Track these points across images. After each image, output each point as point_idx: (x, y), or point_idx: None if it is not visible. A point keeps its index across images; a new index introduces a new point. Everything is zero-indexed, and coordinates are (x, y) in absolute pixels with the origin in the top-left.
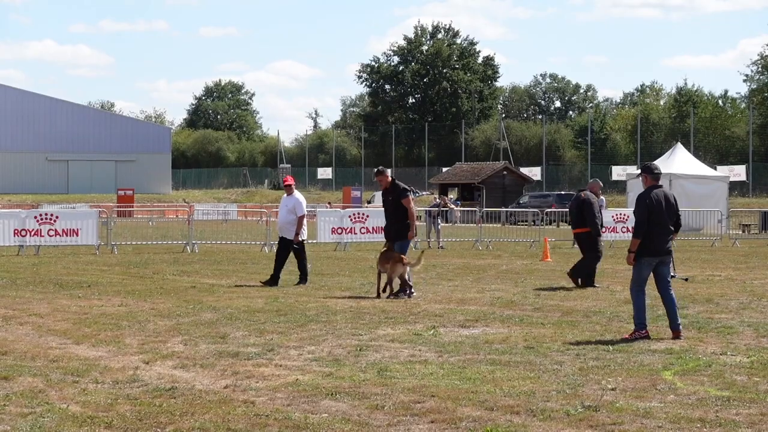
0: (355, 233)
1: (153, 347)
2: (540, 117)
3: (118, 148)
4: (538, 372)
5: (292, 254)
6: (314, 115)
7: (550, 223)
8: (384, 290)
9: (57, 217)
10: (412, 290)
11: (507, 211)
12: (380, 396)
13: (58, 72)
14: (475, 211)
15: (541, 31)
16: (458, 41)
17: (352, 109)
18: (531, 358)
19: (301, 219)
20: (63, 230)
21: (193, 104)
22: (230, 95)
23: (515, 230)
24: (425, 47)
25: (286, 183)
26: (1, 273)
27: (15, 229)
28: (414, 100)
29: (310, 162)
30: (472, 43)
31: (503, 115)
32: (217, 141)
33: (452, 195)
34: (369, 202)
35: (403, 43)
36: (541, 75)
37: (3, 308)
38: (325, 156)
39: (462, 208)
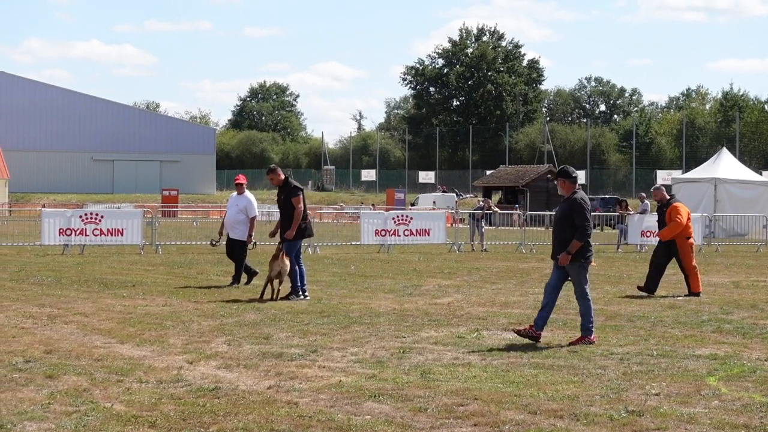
0: (399, 235)
1: (197, 347)
2: (584, 120)
3: (163, 148)
4: (582, 376)
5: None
6: (358, 117)
7: (594, 227)
8: (263, 294)
9: (102, 217)
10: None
11: (551, 215)
12: (423, 398)
13: (103, 72)
14: (519, 214)
15: (585, 33)
16: (503, 44)
17: (396, 111)
18: (574, 362)
19: (252, 220)
20: (108, 230)
21: (237, 105)
22: (275, 96)
23: None
24: (470, 50)
25: (237, 182)
26: (46, 272)
27: (60, 229)
28: (458, 103)
29: (353, 164)
30: (517, 46)
31: (548, 119)
32: (262, 142)
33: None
34: (413, 204)
35: (447, 45)
36: (585, 78)
37: (48, 307)
38: (369, 158)
39: (506, 211)
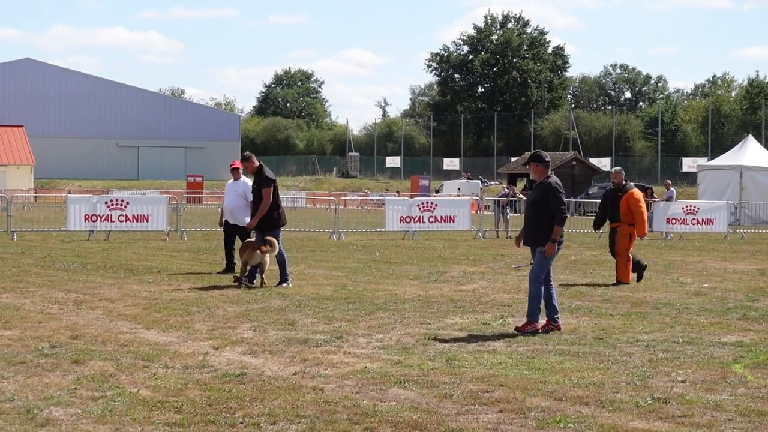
0: (423, 222)
1: (222, 333)
2: (610, 107)
3: (188, 134)
4: (607, 363)
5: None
6: (383, 104)
7: None
8: (241, 278)
9: (127, 203)
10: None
11: (576, 202)
12: (449, 385)
13: (128, 58)
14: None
15: (610, 20)
16: (528, 31)
17: (421, 97)
18: (600, 349)
19: (252, 205)
20: (133, 216)
21: (262, 92)
22: (299, 83)
23: (584, 221)
24: (495, 36)
25: (233, 167)
26: (72, 258)
27: (86, 215)
28: (483, 90)
29: (378, 150)
30: (542, 33)
31: (573, 105)
32: (287, 129)
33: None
34: (437, 191)
35: (472, 32)
36: (611, 65)
37: (74, 293)
38: (394, 145)
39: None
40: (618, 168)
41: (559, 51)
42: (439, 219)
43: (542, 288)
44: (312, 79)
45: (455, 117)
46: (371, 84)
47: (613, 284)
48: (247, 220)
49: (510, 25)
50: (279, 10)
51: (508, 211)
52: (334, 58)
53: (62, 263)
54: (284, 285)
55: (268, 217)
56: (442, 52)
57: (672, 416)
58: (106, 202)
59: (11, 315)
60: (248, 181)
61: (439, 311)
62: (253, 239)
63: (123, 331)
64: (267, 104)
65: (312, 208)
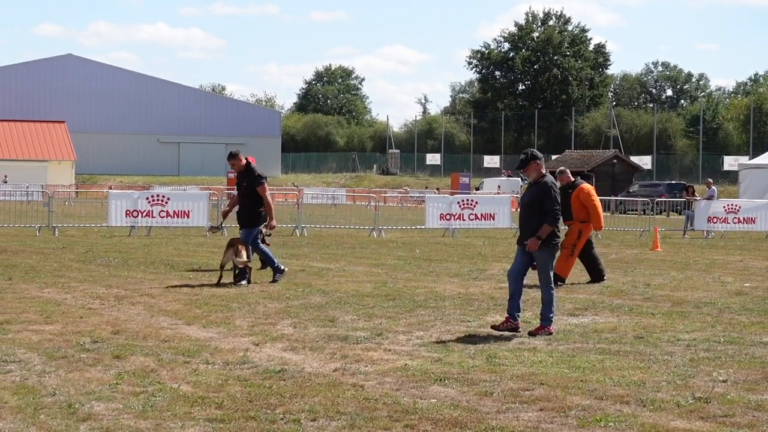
0: (464, 219)
1: (263, 329)
2: (651, 105)
3: (229, 131)
4: (648, 362)
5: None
6: (423, 101)
7: (661, 213)
8: (235, 277)
9: (168, 199)
10: (248, 279)
11: (617, 200)
12: (489, 383)
13: (169, 54)
14: None
15: (652, 18)
16: (569, 28)
17: (461, 95)
18: (641, 348)
19: None
20: (174, 212)
21: (303, 88)
22: (340, 80)
23: (625, 219)
24: (536, 34)
25: None
26: (113, 253)
27: (127, 210)
28: (524, 87)
29: (418, 147)
30: (584, 30)
31: (614, 103)
32: (327, 125)
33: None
34: (478, 189)
35: (513, 29)
36: (652, 63)
37: (115, 288)
38: (434, 142)
39: None
40: (563, 168)
41: (600, 48)
42: (479, 216)
43: (553, 291)
44: (352, 76)
45: (496, 114)
46: (412, 81)
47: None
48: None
49: (551, 23)
50: (320, 6)
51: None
52: (374, 54)
53: (103, 259)
54: (278, 276)
55: (254, 214)
56: (483, 49)
57: (713, 416)
58: (147, 198)
59: (53, 310)
60: None
61: (480, 309)
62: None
63: (164, 326)
64: (307, 101)
65: (352, 204)
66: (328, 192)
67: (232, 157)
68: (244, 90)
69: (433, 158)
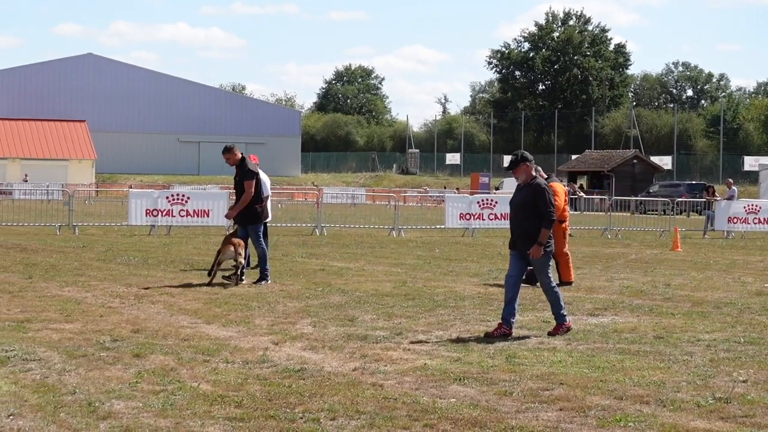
0: (483, 219)
1: (282, 328)
2: (671, 105)
3: (249, 130)
4: (668, 362)
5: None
6: (443, 101)
7: (681, 213)
8: (230, 276)
9: (188, 198)
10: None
11: (637, 200)
12: (508, 382)
13: (189, 54)
14: (604, 199)
15: (672, 18)
16: (589, 28)
17: (481, 94)
18: (660, 348)
19: (266, 200)
20: (194, 211)
21: (323, 88)
22: (360, 79)
23: (645, 219)
24: (556, 33)
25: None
26: (133, 252)
27: (147, 209)
28: (544, 87)
29: (438, 147)
30: (604, 30)
31: (634, 103)
32: (347, 125)
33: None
34: (497, 188)
35: (533, 29)
36: (673, 63)
37: (135, 287)
38: (454, 141)
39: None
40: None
41: (620, 48)
42: (499, 216)
43: (556, 290)
44: (372, 76)
45: (516, 114)
46: (431, 81)
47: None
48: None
49: (571, 23)
50: (339, 6)
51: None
52: (394, 54)
53: (123, 258)
54: (263, 283)
55: (251, 211)
56: (503, 49)
57: (733, 416)
58: (167, 197)
59: (73, 308)
60: (264, 177)
61: (499, 308)
62: (234, 233)
63: (183, 325)
64: (327, 100)
65: (372, 204)
66: (348, 191)
67: (227, 151)
68: (264, 89)
69: (453, 158)
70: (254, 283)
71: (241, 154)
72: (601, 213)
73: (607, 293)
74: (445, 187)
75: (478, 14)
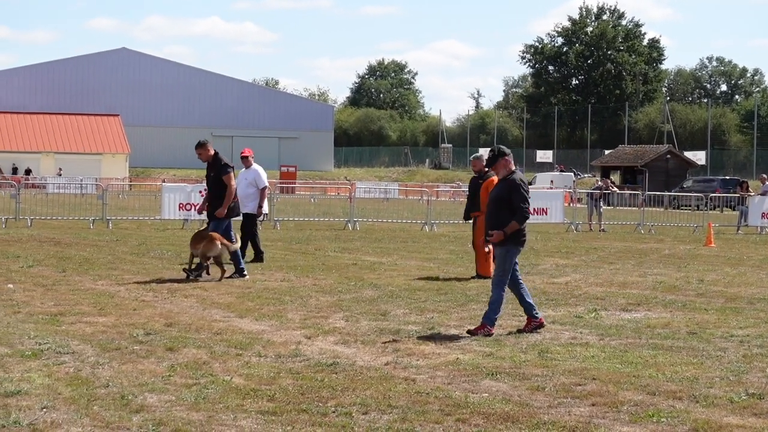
0: None
1: (315, 323)
2: (705, 100)
3: (282, 125)
4: (701, 358)
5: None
6: (476, 95)
7: (714, 208)
8: (191, 269)
9: None
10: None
11: (670, 196)
12: (541, 377)
13: (223, 49)
14: (637, 194)
15: (707, 13)
16: (623, 23)
17: (514, 89)
18: (694, 343)
19: (263, 191)
20: None
21: (356, 82)
22: (393, 74)
23: (678, 215)
24: (590, 28)
25: (243, 155)
26: (166, 246)
27: (180, 203)
28: (577, 82)
29: (471, 142)
30: (638, 25)
31: (668, 98)
32: (379, 120)
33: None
34: (530, 183)
35: (567, 23)
36: (707, 58)
37: (168, 281)
38: (487, 136)
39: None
40: (478, 154)
41: (654, 43)
42: (531, 211)
43: (502, 292)
44: (405, 70)
45: (549, 109)
46: (464, 75)
47: (473, 277)
48: (254, 208)
49: (605, 17)
50: (372, 0)
51: (601, 204)
52: (427, 49)
53: (156, 251)
54: (243, 278)
55: (221, 206)
56: (537, 44)
57: (766, 412)
58: (200, 191)
59: (106, 302)
60: (259, 169)
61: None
62: (207, 229)
63: (216, 319)
64: (360, 95)
65: (404, 199)
66: (381, 186)
67: (200, 146)
68: (297, 84)
69: (486, 153)
70: (226, 277)
71: (214, 149)
72: (634, 208)
73: (641, 288)
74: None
75: (511, 9)
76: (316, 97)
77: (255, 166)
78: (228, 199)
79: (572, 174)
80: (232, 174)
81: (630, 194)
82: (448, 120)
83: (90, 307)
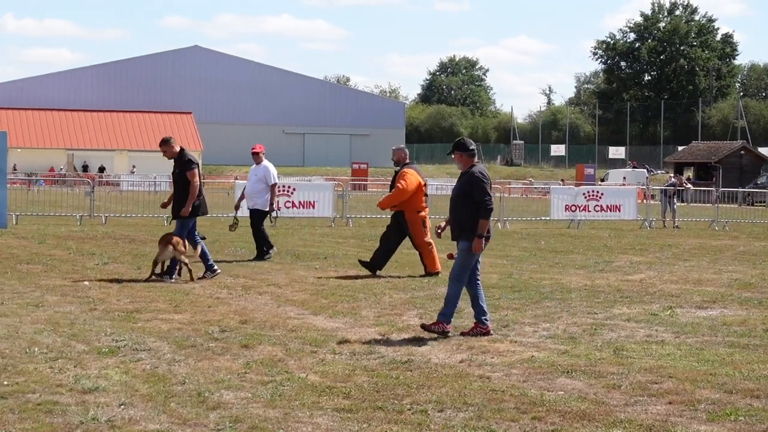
0: (589, 211)
1: (389, 320)
2: None
3: (353, 122)
4: None
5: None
6: (547, 92)
7: None
8: (153, 273)
9: (294, 189)
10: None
11: (744, 192)
12: (616, 375)
13: (293, 46)
14: (711, 191)
15: None
16: (696, 18)
17: (586, 85)
18: None
19: (273, 188)
20: (299, 202)
21: (427, 79)
22: (464, 71)
23: (753, 211)
24: (662, 24)
25: (254, 151)
26: (240, 243)
27: None
28: (650, 78)
29: (543, 139)
30: (711, 20)
31: (741, 94)
32: (451, 116)
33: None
34: (602, 180)
35: (639, 19)
36: None
37: (243, 278)
38: (558, 133)
39: (698, 188)
40: (399, 146)
41: (727, 38)
42: (604, 208)
43: (459, 289)
44: (476, 67)
45: (621, 105)
46: (536, 72)
47: (421, 276)
48: (264, 205)
49: (678, 13)
50: None
51: (675, 200)
52: (498, 45)
53: (230, 249)
54: (209, 275)
55: (186, 204)
56: (609, 39)
57: None
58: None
59: (182, 299)
60: (269, 165)
61: (606, 301)
62: (173, 231)
63: (291, 316)
64: (431, 92)
65: None
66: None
67: (164, 143)
68: (368, 81)
69: (558, 149)
70: (200, 278)
71: (179, 146)
72: (708, 205)
73: (716, 286)
74: (550, 179)
75: (582, 4)
76: (387, 94)
77: (265, 162)
78: (192, 197)
79: (645, 170)
80: (196, 171)
81: (704, 191)
82: (520, 116)
83: (165, 304)
